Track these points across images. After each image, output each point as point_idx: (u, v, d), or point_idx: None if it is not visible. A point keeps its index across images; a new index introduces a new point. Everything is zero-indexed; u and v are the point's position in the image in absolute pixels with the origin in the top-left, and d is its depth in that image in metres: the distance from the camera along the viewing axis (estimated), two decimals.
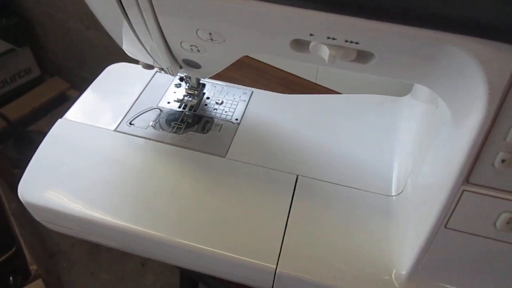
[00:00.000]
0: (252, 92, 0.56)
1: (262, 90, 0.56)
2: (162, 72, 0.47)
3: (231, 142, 0.49)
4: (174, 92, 0.55)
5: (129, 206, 0.43)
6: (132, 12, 0.33)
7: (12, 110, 1.46)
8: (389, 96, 0.56)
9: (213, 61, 0.38)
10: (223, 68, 0.39)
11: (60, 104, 1.53)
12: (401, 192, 0.44)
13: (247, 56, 0.40)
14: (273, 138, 0.50)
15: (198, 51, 0.36)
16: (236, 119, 0.52)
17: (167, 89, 0.55)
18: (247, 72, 0.68)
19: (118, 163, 0.46)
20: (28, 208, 0.45)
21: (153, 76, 0.57)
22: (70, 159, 0.47)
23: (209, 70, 0.40)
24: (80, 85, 1.52)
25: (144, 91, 0.55)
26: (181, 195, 0.44)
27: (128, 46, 0.41)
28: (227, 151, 0.48)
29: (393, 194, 0.44)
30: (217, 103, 0.54)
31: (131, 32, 0.37)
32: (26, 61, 1.51)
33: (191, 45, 0.35)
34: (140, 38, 0.37)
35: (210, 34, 0.33)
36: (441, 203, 0.33)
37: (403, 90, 0.57)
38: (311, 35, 0.30)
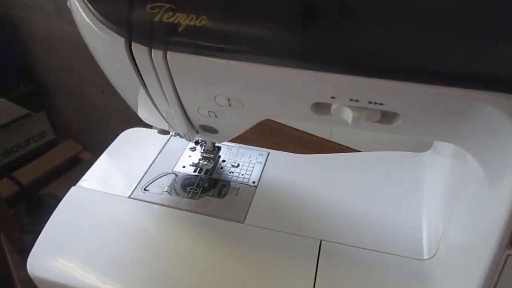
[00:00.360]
0: (269, 153, 0.54)
1: (278, 151, 0.55)
2: (178, 136, 0.46)
3: (249, 207, 0.47)
4: (189, 156, 0.54)
5: (144, 276, 0.40)
6: (149, 79, 0.33)
7: (25, 173, 1.46)
8: (409, 152, 0.54)
9: (231, 126, 0.37)
10: (241, 133, 0.39)
11: (73, 166, 1.54)
12: (434, 255, 0.41)
13: None
14: (292, 200, 0.48)
15: (216, 116, 0.35)
16: (254, 182, 0.50)
17: (182, 153, 0.54)
18: (260, 131, 0.67)
19: (133, 231, 0.45)
20: (36, 283, 0.42)
21: (168, 141, 0.56)
22: (83, 230, 0.45)
23: (226, 135, 0.40)
24: (93, 147, 1.54)
25: (159, 155, 0.54)
26: (198, 264, 0.42)
27: (144, 112, 0.41)
28: (245, 216, 0.46)
29: (425, 257, 0.41)
30: (233, 166, 0.53)
31: (147, 98, 0.36)
32: (41, 125, 1.54)
33: (209, 111, 0.35)
34: (157, 104, 0.37)
35: (228, 100, 0.32)
36: (483, 269, 0.30)
37: (423, 146, 0.55)
38: (332, 97, 0.29)
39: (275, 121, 0.69)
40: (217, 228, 0.45)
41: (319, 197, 0.48)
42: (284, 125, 0.69)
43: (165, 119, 0.40)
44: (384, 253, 0.42)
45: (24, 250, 0.44)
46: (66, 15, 1.14)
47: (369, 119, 0.30)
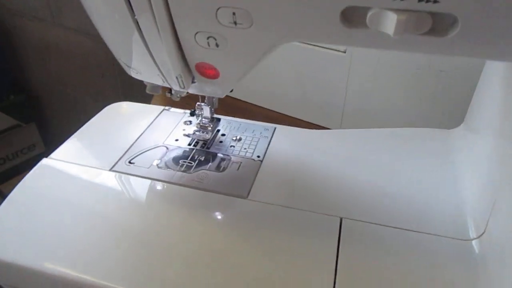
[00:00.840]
0: (275, 128, 0.47)
1: (286, 126, 0.48)
2: (170, 95, 0.39)
3: (253, 181, 0.39)
4: (184, 130, 0.46)
5: (127, 264, 0.32)
6: (140, 8, 0.27)
7: (11, 187, 1.37)
8: (436, 129, 0.47)
9: (233, 62, 0.30)
10: (244, 75, 0.31)
11: None
12: (482, 233, 0.33)
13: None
14: (305, 176, 0.40)
15: (217, 46, 0.28)
16: (258, 156, 0.43)
17: (175, 127, 0.47)
18: (263, 115, 0.60)
19: (113, 208, 0.37)
20: None
21: (159, 114, 0.49)
22: (53, 205, 0.37)
23: (227, 79, 0.32)
24: None
25: (148, 129, 0.47)
26: (196, 242, 0.33)
27: (135, 61, 0.34)
28: (249, 191, 0.38)
29: (472, 237, 0.34)
30: (234, 139, 0.45)
31: (139, 40, 0.30)
32: (31, 137, 1.46)
33: (208, 37, 0.28)
34: (148, 42, 0.30)
35: (233, 15, 0.26)
36: None
37: (448, 123, 0.48)
38: None
39: (273, 110, 0.62)
40: (216, 203, 0.37)
41: (337, 173, 0.41)
42: (279, 113, 0.61)
43: (156, 65, 0.32)
44: (421, 232, 0.34)
45: None
46: (62, 20, 1.08)
47: (418, 28, 0.23)
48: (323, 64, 0.53)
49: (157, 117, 0.49)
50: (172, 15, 0.27)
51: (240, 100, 0.62)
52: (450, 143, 0.45)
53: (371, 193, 0.39)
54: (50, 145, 1.54)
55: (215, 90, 0.34)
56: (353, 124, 0.57)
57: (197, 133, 0.44)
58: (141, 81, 0.37)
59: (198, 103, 0.44)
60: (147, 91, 0.39)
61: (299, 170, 0.41)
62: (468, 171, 0.40)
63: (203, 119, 0.44)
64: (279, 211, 0.36)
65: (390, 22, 0.23)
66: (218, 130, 0.46)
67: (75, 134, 0.45)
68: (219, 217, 0.36)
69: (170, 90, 0.40)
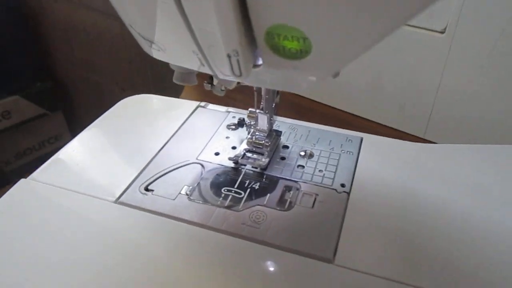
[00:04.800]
0: (362, 138, 0.32)
1: (375, 136, 0.32)
2: (211, 87, 0.24)
3: (340, 231, 0.24)
4: (227, 138, 0.32)
5: None
6: None
7: None
8: None
9: (339, 24, 0.15)
10: (355, 55, 0.16)
11: None
12: None
13: None
14: (414, 219, 0.25)
15: None
16: (343, 185, 0.28)
17: (215, 133, 0.32)
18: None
19: (116, 264, 0.22)
20: None
21: (191, 114, 0.35)
22: (26, 250, 0.23)
23: (323, 59, 0.17)
24: None
25: (175, 135, 0.32)
26: None
27: (156, 27, 0.19)
28: (336, 250, 0.23)
29: None
30: (301, 155, 0.30)
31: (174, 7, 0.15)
32: (57, 126, 1.41)
33: None
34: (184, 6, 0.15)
35: None
36: None
37: None
38: None
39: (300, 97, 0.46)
40: (282, 269, 0.22)
41: (460, 215, 0.25)
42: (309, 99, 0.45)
43: (193, 36, 0.18)
44: None
45: None
46: (89, 1, 1.00)
47: None
48: (411, 49, 0.37)
49: (188, 117, 0.34)
50: None
51: (301, 96, 0.47)
52: None
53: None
54: (76, 134, 1.46)
55: (296, 79, 0.19)
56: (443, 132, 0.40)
57: (248, 154, 0.29)
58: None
59: (250, 109, 0.29)
60: (175, 81, 0.24)
61: (407, 207, 0.26)
62: None
63: (257, 134, 0.29)
64: (389, 286, 0.21)
65: None
66: (279, 140, 0.31)
67: (68, 145, 0.31)
68: None
69: (210, 78, 0.26)
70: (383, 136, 0.32)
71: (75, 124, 1.46)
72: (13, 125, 1.23)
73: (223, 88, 0.25)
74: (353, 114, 0.44)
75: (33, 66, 1.27)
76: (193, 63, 0.20)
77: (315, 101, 0.46)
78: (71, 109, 1.45)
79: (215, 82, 0.25)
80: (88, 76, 1.28)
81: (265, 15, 0.15)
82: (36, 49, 1.27)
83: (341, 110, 0.44)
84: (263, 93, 0.28)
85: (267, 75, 0.19)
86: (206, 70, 0.20)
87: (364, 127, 0.42)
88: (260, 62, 0.18)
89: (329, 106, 0.45)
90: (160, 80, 0.97)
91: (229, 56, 0.17)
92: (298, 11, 0.15)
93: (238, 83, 0.25)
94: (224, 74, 0.18)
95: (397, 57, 0.38)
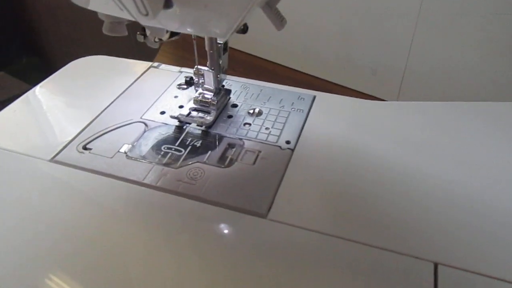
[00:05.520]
0: (315, 97, 0.31)
1: (330, 94, 0.31)
2: (144, 38, 0.23)
3: (277, 189, 0.24)
4: (175, 97, 0.31)
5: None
6: None
7: None
8: None
9: None
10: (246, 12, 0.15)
11: None
12: None
13: None
14: (356, 178, 0.24)
15: None
16: (288, 142, 0.27)
17: (163, 92, 0.31)
18: (244, 69, 0.44)
19: (53, 218, 0.22)
20: None
21: (142, 74, 0.33)
22: None
23: (219, 9, 0.16)
24: None
25: (122, 95, 0.31)
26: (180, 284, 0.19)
27: None
28: (271, 206, 0.23)
29: None
30: (250, 113, 0.29)
31: None
32: None
33: None
34: None
35: None
36: None
37: None
38: None
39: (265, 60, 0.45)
40: (214, 223, 0.22)
41: (412, 173, 0.24)
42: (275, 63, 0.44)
43: None
44: None
45: None
46: None
47: None
48: (378, 16, 0.35)
49: (139, 77, 0.33)
50: None
51: (264, 59, 0.45)
52: None
53: (459, 216, 0.22)
54: None
55: (210, 23, 0.18)
56: (415, 95, 0.39)
57: (193, 113, 0.28)
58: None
59: (197, 66, 0.28)
60: (104, 31, 0.23)
61: (351, 166, 0.25)
62: None
63: (204, 92, 0.28)
64: (320, 240, 0.21)
65: None
66: (229, 99, 0.30)
67: (17, 101, 0.30)
68: (218, 249, 0.21)
69: (143, 30, 0.24)
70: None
71: None
72: None
73: (156, 40, 0.24)
74: (324, 80, 0.43)
75: (19, 41, 1.24)
76: (113, 8, 0.19)
77: (284, 66, 0.44)
78: None
79: (147, 33, 0.24)
80: (74, 52, 1.25)
81: None
82: (22, 25, 1.24)
83: (313, 76, 0.43)
84: (206, 48, 0.27)
85: (179, 17, 0.18)
86: (125, 15, 0.19)
87: (333, 91, 0.41)
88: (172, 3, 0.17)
89: (301, 72, 0.44)
90: (146, 53, 0.96)
91: (136, 5, 0.16)
92: None
93: (171, 34, 0.23)
94: (132, 16, 0.17)
95: (367, 24, 0.36)
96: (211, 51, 0.27)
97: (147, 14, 0.17)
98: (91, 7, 0.21)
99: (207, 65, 0.28)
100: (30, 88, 0.30)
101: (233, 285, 0.19)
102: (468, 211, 0.22)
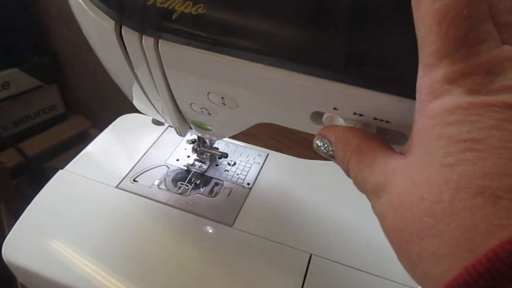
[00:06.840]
0: (268, 154, 0.52)
1: (279, 153, 0.52)
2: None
3: (240, 210, 0.44)
4: (185, 149, 0.51)
5: (124, 269, 0.38)
6: (139, 67, 0.30)
7: (31, 145, 1.45)
8: None
9: (225, 126, 0.34)
10: (235, 133, 0.36)
11: (81, 142, 1.52)
12: None
13: None
14: (286, 208, 0.45)
15: (209, 114, 0.33)
16: (248, 184, 0.48)
17: (178, 145, 0.52)
18: (267, 128, 0.64)
19: (117, 223, 0.42)
20: (12, 270, 0.40)
21: (164, 131, 0.54)
22: (65, 217, 0.43)
23: (219, 134, 0.37)
24: (102, 124, 1.51)
25: (154, 145, 0.52)
26: (181, 264, 0.39)
27: (137, 100, 0.38)
28: (235, 220, 0.43)
29: None
30: (229, 164, 0.50)
31: (140, 90, 0.34)
32: (52, 98, 1.52)
33: (201, 108, 0.32)
34: (148, 94, 0.34)
35: (222, 98, 0.30)
36: None
37: None
38: (335, 109, 0.26)
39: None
40: (204, 229, 0.43)
41: (316, 208, 0.46)
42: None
43: (157, 111, 0.37)
44: (382, 277, 0.39)
45: None
46: None
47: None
48: None
49: (162, 133, 0.53)
50: (170, 87, 0.31)
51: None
52: None
53: (347, 233, 0.43)
54: (69, 106, 1.61)
55: (209, 136, 0.39)
56: None
57: (196, 163, 0.49)
58: None
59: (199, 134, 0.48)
60: (152, 123, 0.44)
61: (283, 201, 0.46)
62: None
63: (204, 149, 0.49)
64: (257, 241, 0.42)
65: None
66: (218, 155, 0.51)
67: (88, 147, 0.51)
68: (204, 241, 0.42)
69: None
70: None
71: (68, 97, 1.59)
72: (11, 95, 1.36)
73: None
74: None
75: (31, 42, 1.38)
76: (161, 120, 0.40)
77: None
78: (65, 82, 1.57)
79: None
80: (83, 55, 1.40)
81: (188, 116, 0.35)
82: (35, 26, 1.39)
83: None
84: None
85: (198, 132, 0.39)
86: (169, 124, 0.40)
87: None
88: (192, 128, 0.38)
89: None
90: None
91: (176, 128, 0.37)
92: (207, 118, 0.34)
93: None
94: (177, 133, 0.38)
95: None
96: (204, 148, 0.48)
97: (181, 135, 0.37)
98: (150, 115, 0.41)
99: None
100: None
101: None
102: None
